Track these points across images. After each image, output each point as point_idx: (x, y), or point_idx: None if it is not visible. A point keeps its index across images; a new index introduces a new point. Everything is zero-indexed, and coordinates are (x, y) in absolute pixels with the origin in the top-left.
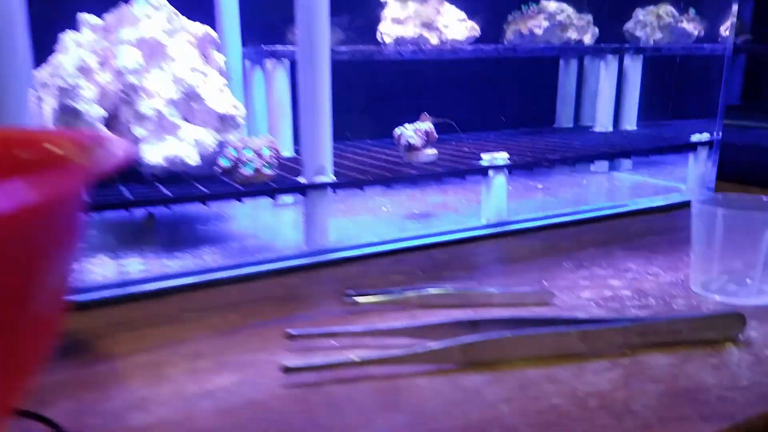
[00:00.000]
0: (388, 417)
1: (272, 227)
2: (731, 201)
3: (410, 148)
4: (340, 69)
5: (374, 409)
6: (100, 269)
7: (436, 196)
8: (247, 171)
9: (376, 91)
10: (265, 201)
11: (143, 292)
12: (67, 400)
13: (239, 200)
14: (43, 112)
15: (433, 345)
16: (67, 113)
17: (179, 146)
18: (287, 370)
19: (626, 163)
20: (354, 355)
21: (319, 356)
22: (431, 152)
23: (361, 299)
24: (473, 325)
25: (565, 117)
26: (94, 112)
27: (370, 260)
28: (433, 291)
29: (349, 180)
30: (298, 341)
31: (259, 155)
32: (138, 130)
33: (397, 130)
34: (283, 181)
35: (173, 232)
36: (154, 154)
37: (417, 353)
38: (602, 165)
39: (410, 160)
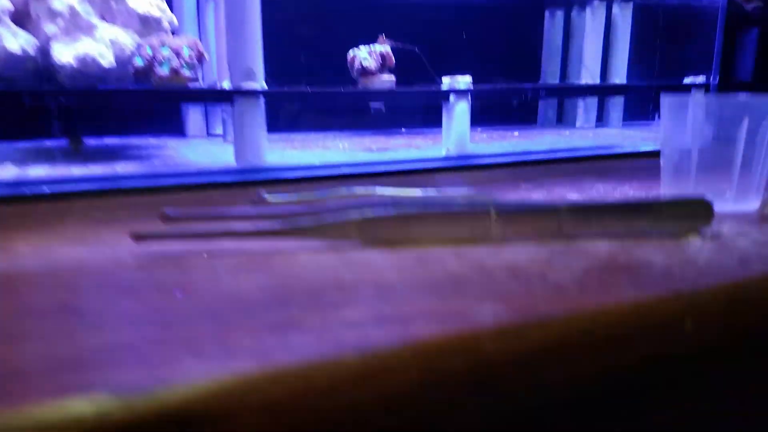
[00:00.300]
0: (244, 278)
1: (210, 154)
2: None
3: (364, 72)
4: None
5: (231, 275)
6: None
7: (401, 139)
8: (162, 71)
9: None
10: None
11: (34, 193)
12: None
13: (147, 104)
14: None
15: (326, 218)
16: None
17: (92, 46)
18: (138, 237)
19: (615, 118)
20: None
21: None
22: (388, 78)
23: (271, 198)
24: (383, 206)
25: (550, 73)
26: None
27: (308, 184)
28: (359, 190)
29: (282, 91)
30: (176, 224)
31: (178, 54)
32: (49, 27)
33: (351, 52)
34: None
35: (100, 152)
36: (64, 53)
37: (303, 227)
38: (589, 119)
39: (365, 85)
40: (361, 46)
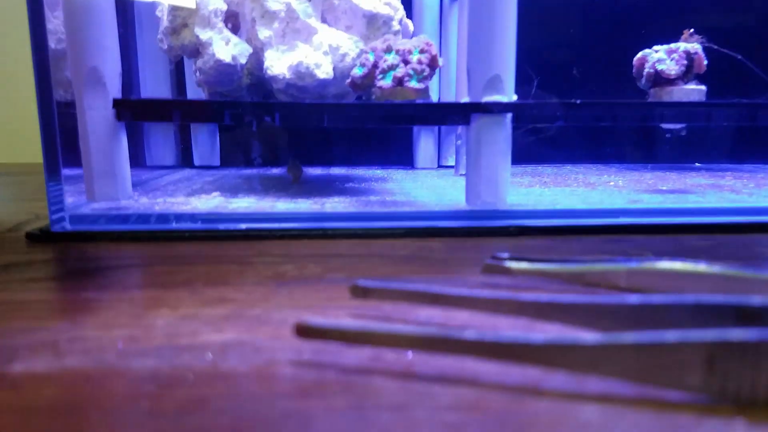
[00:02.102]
0: None
1: (437, 188)
2: None
3: (658, 78)
4: None
5: None
6: (200, 203)
7: (704, 178)
8: (384, 82)
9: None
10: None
11: (227, 229)
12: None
13: (356, 123)
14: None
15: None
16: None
17: (309, 54)
18: (302, 331)
19: None
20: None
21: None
22: (695, 88)
23: (513, 264)
24: (737, 315)
25: None
26: (212, 4)
27: (566, 236)
28: (663, 266)
29: (538, 103)
30: (368, 304)
31: (406, 62)
32: (263, 32)
33: (641, 54)
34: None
35: (315, 184)
36: (278, 62)
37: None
38: None
39: (659, 99)
40: (656, 47)
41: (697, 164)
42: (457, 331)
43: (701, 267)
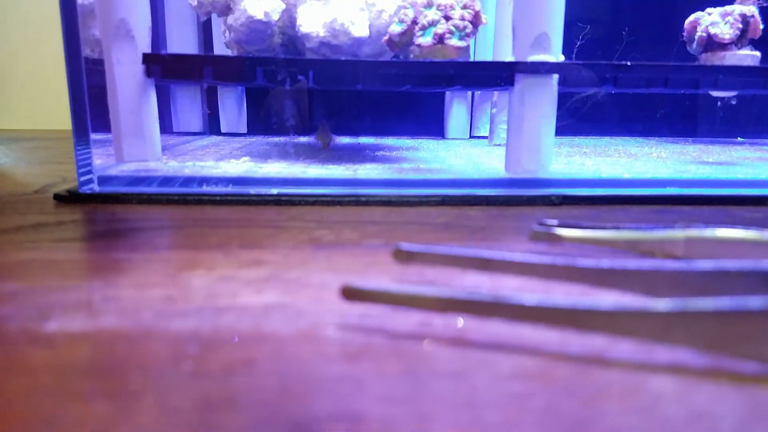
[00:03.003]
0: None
1: (472, 157)
2: None
3: (710, 43)
4: None
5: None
6: (231, 167)
7: (749, 151)
8: (424, 40)
9: None
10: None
11: (259, 194)
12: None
13: (393, 83)
14: None
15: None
16: None
17: (343, 10)
18: (349, 293)
19: None
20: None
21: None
22: (749, 53)
23: (564, 231)
24: None
25: None
26: None
27: (612, 206)
28: (723, 233)
29: (586, 64)
30: (410, 268)
31: (447, 17)
32: None
33: (693, 16)
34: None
35: (345, 152)
36: (311, 20)
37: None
38: None
39: (710, 64)
40: (711, 9)
41: (739, 138)
42: (515, 295)
43: (765, 234)
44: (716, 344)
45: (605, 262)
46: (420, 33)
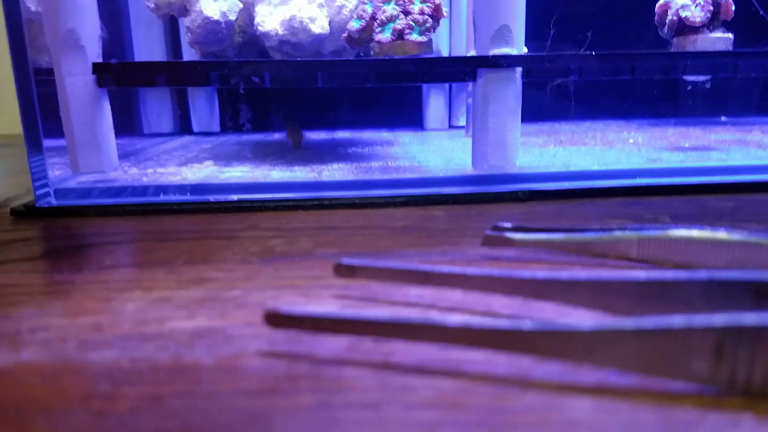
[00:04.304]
0: None
1: (445, 151)
2: None
3: (681, 26)
4: None
5: None
6: (192, 173)
7: (724, 132)
8: (383, 36)
9: None
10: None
11: (218, 201)
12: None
13: (352, 82)
14: None
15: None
16: None
17: (302, 6)
18: (271, 318)
19: None
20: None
21: (369, 311)
22: (721, 36)
23: (515, 235)
24: (754, 292)
25: None
26: None
27: (579, 200)
28: (677, 233)
29: (549, 56)
30: (354, 282)
31: (407, 12)
32: None
33: (662, 0)
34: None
35: (316, 150)
36: (269, 18)
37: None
38: None
39: (682, 49)
40: None
41: (723, 118)
42: (440, 317)
43: (720, 234)
44: (640, 364)
45: (541, 274)
46: (379, 29)
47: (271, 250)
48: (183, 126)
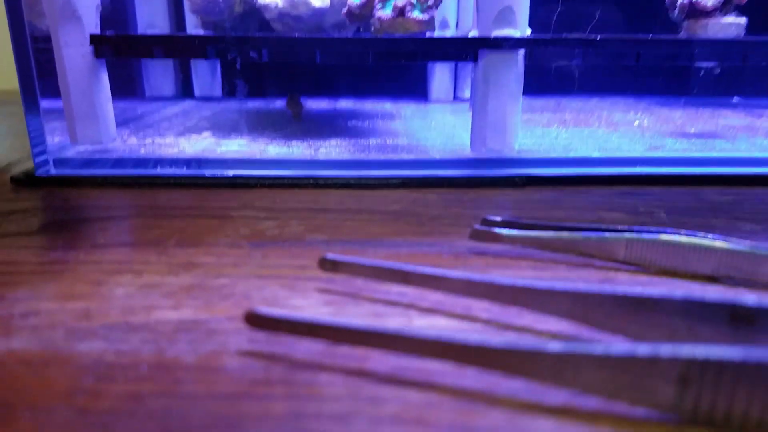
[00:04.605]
0: None
1: (446, 127)
2: None
3: (692, 10)
4: None
5: None
6: (189, 145)
7: (733, 116)
8: (383, 12)
9: None
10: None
11: (214, 176)
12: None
13: (351, 60)
14: None
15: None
16: None
17: None
18: (250, 319)
19: None
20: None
21: (350, 307)
22: (733, 21)
23: (504, 231)
24: (729, 315)
25: None
26: None
27: (576, 187)
28: (665, 238)
29: (553, 39)
30: (339, 276)
31: None
32: None
33: None
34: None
35: (316, 122)
36: None
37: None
38: None
39: (693, 33)
40: None
41: (735, 99)
42: (412, 330)
43: (707, 241)
44: (605, 388)
45: (520, 281)
46: (380, 5)
47: (262, 234)
48: (185, 90)
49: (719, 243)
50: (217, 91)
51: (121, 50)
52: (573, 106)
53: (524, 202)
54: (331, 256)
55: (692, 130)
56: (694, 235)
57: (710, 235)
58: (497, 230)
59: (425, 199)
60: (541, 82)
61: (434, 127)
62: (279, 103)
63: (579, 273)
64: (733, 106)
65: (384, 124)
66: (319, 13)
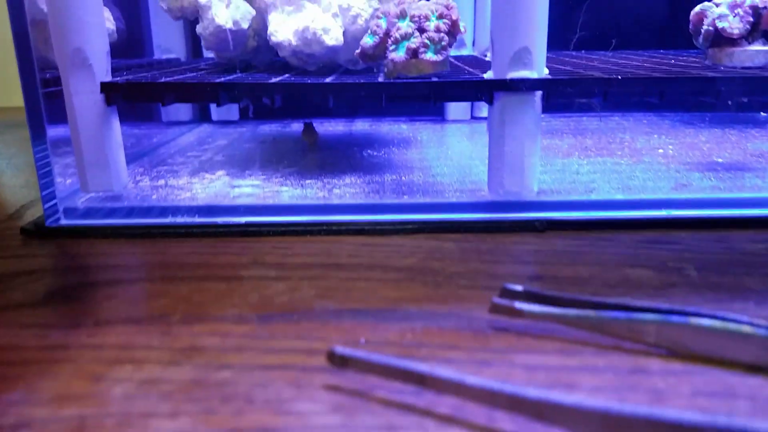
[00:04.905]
0: None
1: (464, 156)
2: None
3: (718, 38)
4: None
5: None
6: (202, 188)
7: (761, 139)
8: (396, 55)
9: None
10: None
11: (226, 224)
12: None
13: (362, 101)
14: None
15: None
16: None
17: (316, 18)
18: None
19: None
20: None
21: (361, 414)
22: (761, 49)
23: (525, 307)
24: None
25: None
26: None
27: (597, 232)
28: (699, 322)
29: (571, 79)
30: (347, 374)
31: (422, 29)
32: None
33: (699, 7)
34: (455, 75)
35: (330, 152)
36: (282, 28)
37: None
38: None
39: (718, 62)
40: None
41: (762, 114)
42: None
43: (743, 328)
44: None
45: (546, 395)
46: (393, 47)
47: (271, 301)
48: (202, 115)
49: (756, 330)
50: (234, 115)
51: (132, 97)
52: (594, 126)
53: (545, 253)
54: (340, 350)
55: (720, 160)
56: (728, 319)
57: (745, 322)
58: (518, 305)
59: (442, 248)
60: (561, 101)
61: (450, 157)
62: (295, 126)
63: (608, 359)
64: (761, 125)
65: (399, 153)
66: (333, 49)
